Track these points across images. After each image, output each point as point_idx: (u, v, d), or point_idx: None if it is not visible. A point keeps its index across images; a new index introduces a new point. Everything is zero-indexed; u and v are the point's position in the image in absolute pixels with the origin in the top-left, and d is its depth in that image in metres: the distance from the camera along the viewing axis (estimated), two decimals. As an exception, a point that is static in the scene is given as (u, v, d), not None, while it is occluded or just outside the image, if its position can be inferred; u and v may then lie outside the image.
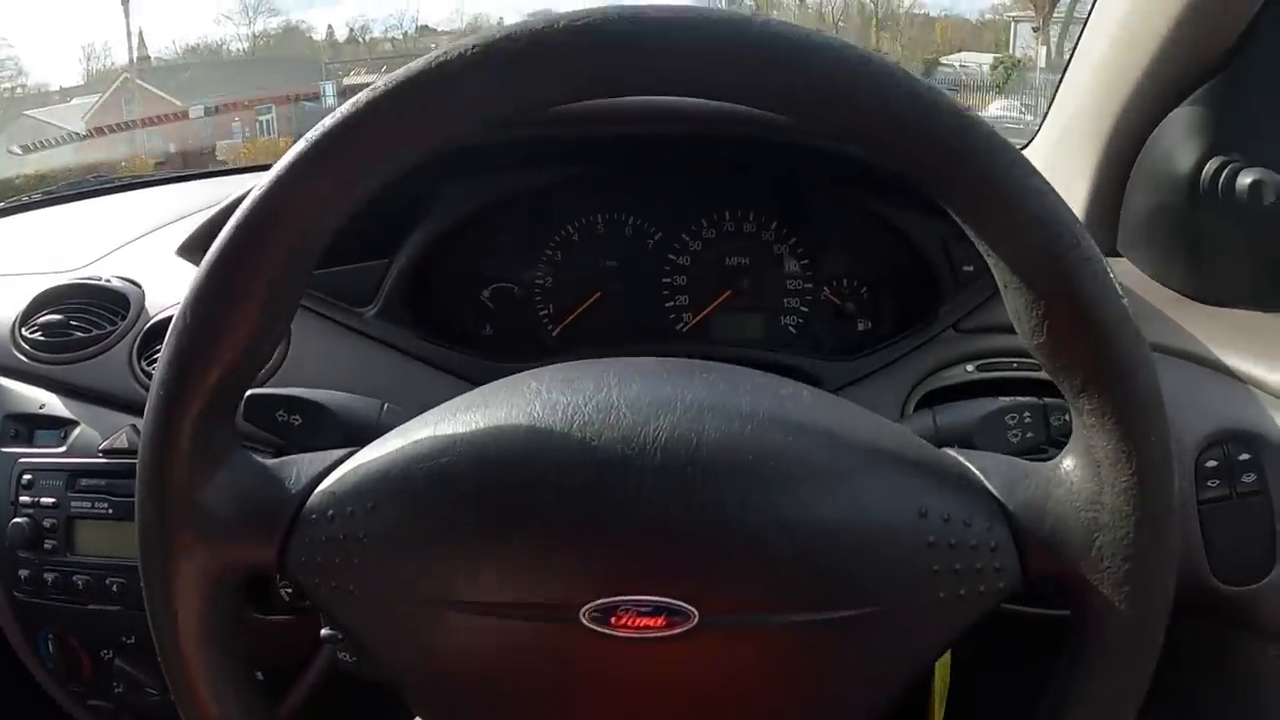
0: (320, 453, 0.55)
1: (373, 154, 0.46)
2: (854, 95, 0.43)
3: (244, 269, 0.47)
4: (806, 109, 0.44)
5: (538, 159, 0.97)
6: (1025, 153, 0.94)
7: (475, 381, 0.55)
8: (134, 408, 0.94)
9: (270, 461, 0.54)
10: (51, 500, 0.93)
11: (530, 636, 0.49)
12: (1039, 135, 1.13)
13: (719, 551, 0.47)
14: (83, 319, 1.00)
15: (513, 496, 0.49)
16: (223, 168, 1.45)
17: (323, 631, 0.79)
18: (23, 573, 0.94)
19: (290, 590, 0.87)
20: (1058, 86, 1.08)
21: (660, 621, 0.47)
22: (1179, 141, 0.99)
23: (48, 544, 0.93)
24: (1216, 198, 0.96)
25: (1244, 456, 0.79)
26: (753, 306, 1.01)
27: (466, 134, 0.46)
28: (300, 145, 0.46)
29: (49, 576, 0.93)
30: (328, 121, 0.46)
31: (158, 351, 0.95)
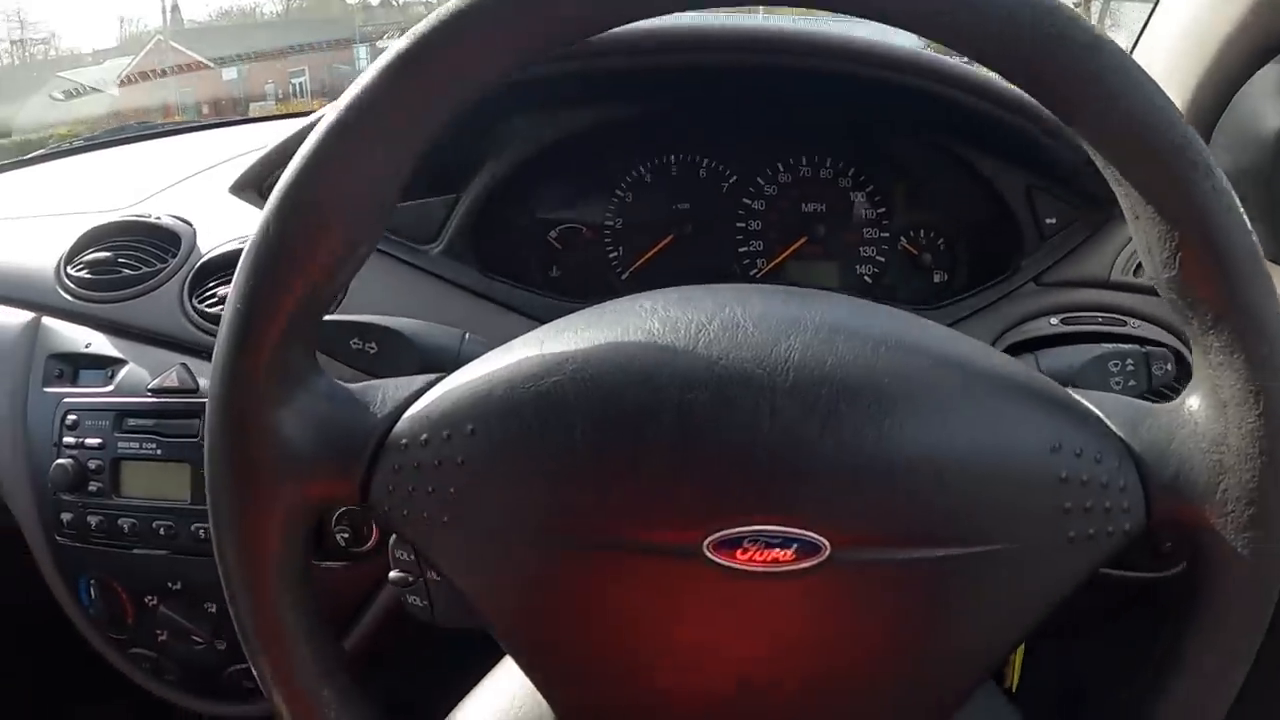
0: (406, 378, 0.51)
1: (469, 60, 0.43)
2: (983, 10, 0.41)
3: (335, 175, 0.44)
4: (930, 20, 0.42)
5: (611, 92, 0.93)
6: None
7: (543, 320, 0.51)
8: (184, 346, 0.90)
9: (352, 386, 0.50)
10: (97, 441, 0.90)
11: (647, 569, 0.45)
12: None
13: (853, 479, 0.44)
14: (131, 257, 0.97)
15: (631, 417, 0.44)
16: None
17: (391, 574, 0.76)
18: (65, 516, 0.91)
19: (347, 535, 0.84)
20: (1132, 48, 1.05)
21: (790, 554, 0.44)
22: (1266, 102, 0.96)
23: (92, 486, 0.90)
24: (1305, 157, 0.93)
25: None
26: (828, 254, 0.97)
27: (573, 36, 0.44)
28: (401, 43, 0.43)
29: (93, 520, 0.90)
30: (422, 27, 0.43)
31: (210, 290, 0.92)
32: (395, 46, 0.43)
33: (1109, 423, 0.47)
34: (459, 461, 0.46)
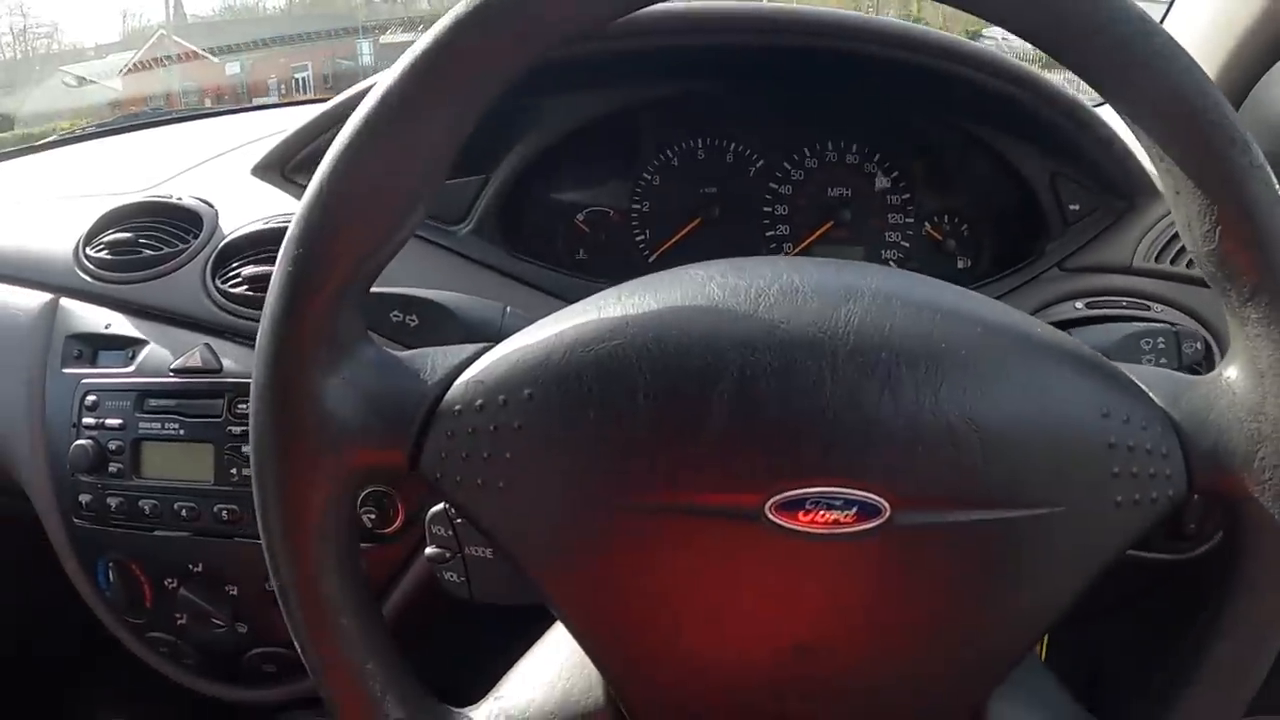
0: (455, 346, 0.50)
1: (531, 24, 0.43)
2: None
3: (392, 141, 0.44)
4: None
5: (638, 75, 0.93)
6: (1106, 112, 0.92)
7: (570, 300, 0.51)
8: (206, 327, 0.89)
9: (401, 354, 0.50)
10: (118, 422, 0.89)
11: (708, 532, 0.45)
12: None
13: (913, 442, 0.44)
14: (152, 238, 0.96)
15: (694, 380, 0.45)
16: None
17: (428, 550, 0.75)
18: (84, 498, 0.90)
19: (373, 516, 0.83)
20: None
21: (851, 517, 0.44)
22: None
23: (112, 467, 0.89)
24: (1327, 145, 0.93)
25: None
26: (853, 239, 0.97)
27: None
28: (462, 5, 0.43)
29: (112, 501, 0.89)
30: None
31: (233, 271, 0.91)
32: (455, 10, 0.43)
33: (1150, 393, 0.48)
34: (516, 426, 0.46)
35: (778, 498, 0.44)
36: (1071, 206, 0.92)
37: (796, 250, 0.97)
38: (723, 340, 0.45)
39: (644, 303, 0.47)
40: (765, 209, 0.97)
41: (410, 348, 0.63)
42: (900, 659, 0.49)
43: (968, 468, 0.44)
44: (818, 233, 0.96)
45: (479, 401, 0.46)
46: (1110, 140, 0.87)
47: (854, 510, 0.44)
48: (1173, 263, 0.86)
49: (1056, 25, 0.43)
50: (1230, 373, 0.48)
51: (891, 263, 0.97)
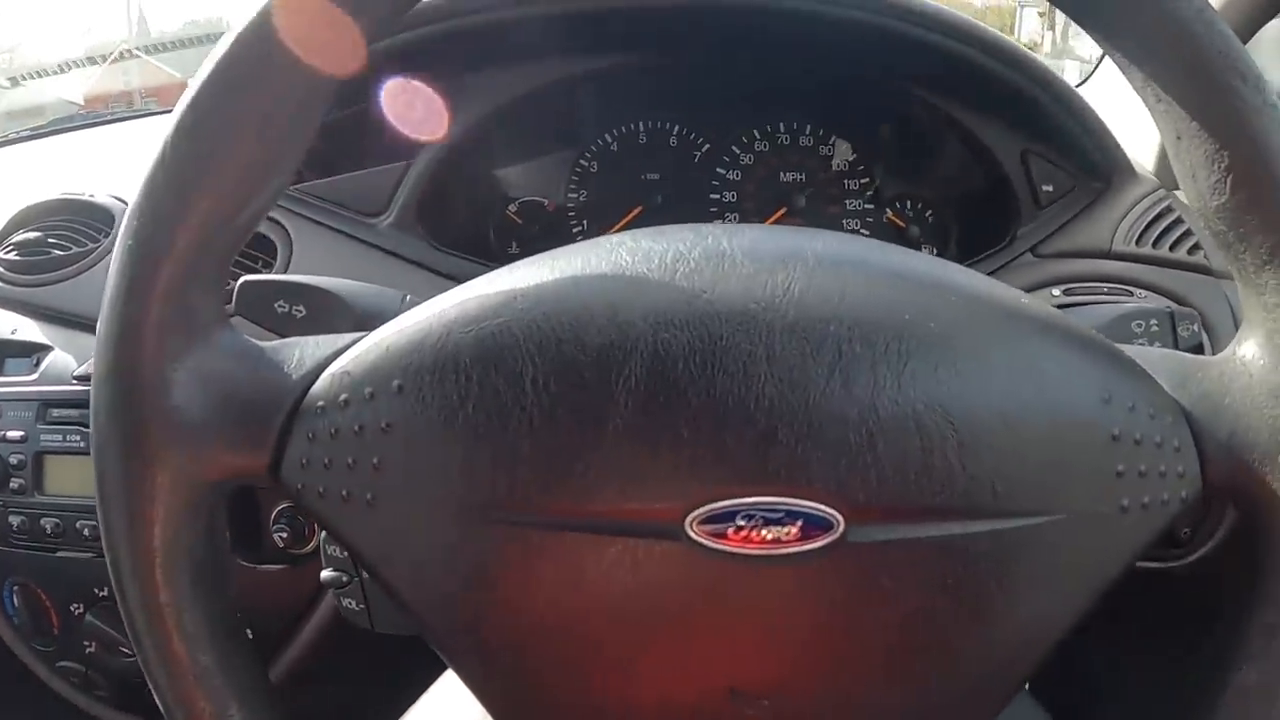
0: (331, 335, 0.43)
1: None
2: None
3: (246, 86, 0.37)
4: None
5: (568, 43, 0.87)
6: (1082, 91, 0.86)
7: None
8: (112, 330, 0.84)
9: (266, 344, 0.42)
10: (19, 434, 0.83)
11: (616, 552, 0.37)
12: (1098, 71, 1.05)
13: (871, 437, 0.36)
14: (63, 237, 0.90)
15: (594, 363, 0.36)
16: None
17: (323, 574, 0.68)
18: (-15, 516, 0.84)
19: (285, 534, 0.77)
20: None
21: (793, 533, 0.36)
22: (1269, 60, 0.92)
23: (14, 483, 0.83)
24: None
25: None
26: (808, 225, 0.91)
27: None
28: None
29: (14, 520, 0.83)
30: None
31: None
32: None
33: (1155, 377, 0.41)
34: (383, 426, 0.38)
35: (700, 511, 0.36)
36: (1045, 188, 0.86)
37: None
38: (630, 313, 0.37)
39: (539, 274, 0.39)
40: (713, 195, 0.92)
41: None
42: (858, 705, 0.41)
43: (939, 469, 0.36)
44: (769, 220, 0.90)
45: (343, 396, 0.39)
46: (1088, 116, 0.82)
47: (797, 525, 0.36)
48: (1155, 245, 0.81)
49: None
50: (1246, 350, 0.41)
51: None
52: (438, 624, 0.41)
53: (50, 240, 0.90)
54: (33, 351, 0.86)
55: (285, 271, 0.81)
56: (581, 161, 0.93)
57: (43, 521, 0.82)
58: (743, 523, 0.36)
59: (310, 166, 0.86)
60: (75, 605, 0.84)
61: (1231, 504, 0.42)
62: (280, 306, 0.60)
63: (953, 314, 0.38)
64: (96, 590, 0.83)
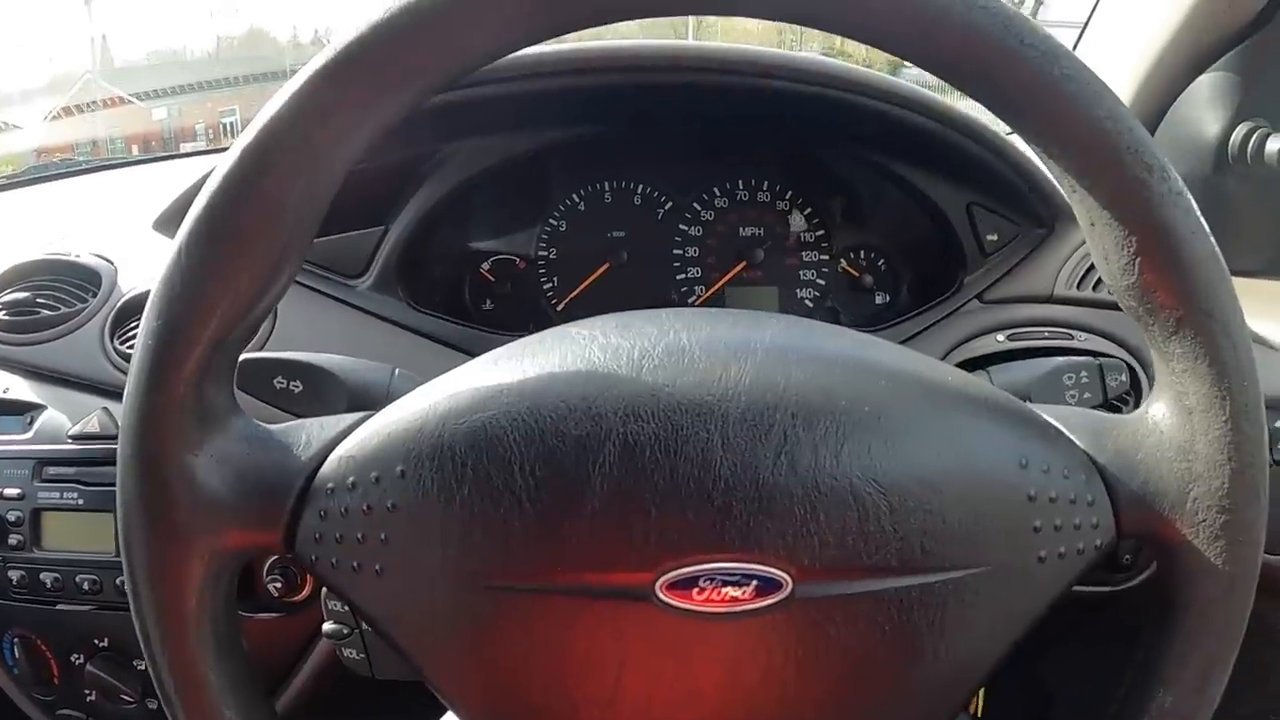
0: (333, 416, 0.48)
1: (396, 74, 0.40)
2: (941, 22, 0.40)
3: (253, 200, 0.41)
4: (883, 32, 0.41)
5: (544, 116, 0.91)
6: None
7: (475, 354, 0.49)
8: (106, 390, 0.87)
9: (275, 427, 0.47)
10: (16, 491, 0.85)
11: (596, 614, 0.43)
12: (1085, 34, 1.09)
13: (814, 508, 0.41)
14: (50, 297, 0.93)
15: (572, 452, 0.42)
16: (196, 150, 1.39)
17: (325, 627, 0.72)
18: (-17, 571, 0.87)
19: (279, 584, 0.80)
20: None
21: (749, 593, 0.41)
22: (1205, 108, 0.96)
23: (12, 539, 0.85)
24: (1245, 164, 0.93)
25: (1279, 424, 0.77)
26: (767, 279, 0.96)
27: (501, 50, 0.41)
28: (320, 58, 0.40)
29: (14, 574, 0.85)
30: (340, 41, 0.40)
31: (131, 330, 0.89)
32: (313, 63, 0.40)
33: (1072, 436, 0.46)
34: (389, 506, 0.43)
35: (668, 575, 0.41)
36: (989, 237, 0.91)
37: (709, 293, 0.95)
38: (603, 407, 0.42)
39: (520, 368, 0.44)
40: (675, 251, 0.96)
41: (295, 415, 0.60)
42: None
43: (875, 532, 0.42)
44: (730, 274, 0.95)
45: (350, 479, 0.44)
46: (1026, 167, 0.86)
47: (752, 585, 0.41)
48: (1095, 289, 0.86)
49: (968, 57, 0.40)
50: (1156, 410, 0.45)
51: (808, 301, 0.96)
52: (440, 676, 0.46)
53: (39, 300, 0.93)
54: (25, 410, 0.89)
55: (272, 329, 0.84)
56: (550, 221, 0.97)
57: (42, 576, 0.84)
58: (705, 585, 0.42)
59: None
60: (76, 655, 0.86)
61: (1146, 547, 0.47)
62: (279, 382, 0.65)
63: (882, 395, 0.44)
64: (97, 641, 0.85)
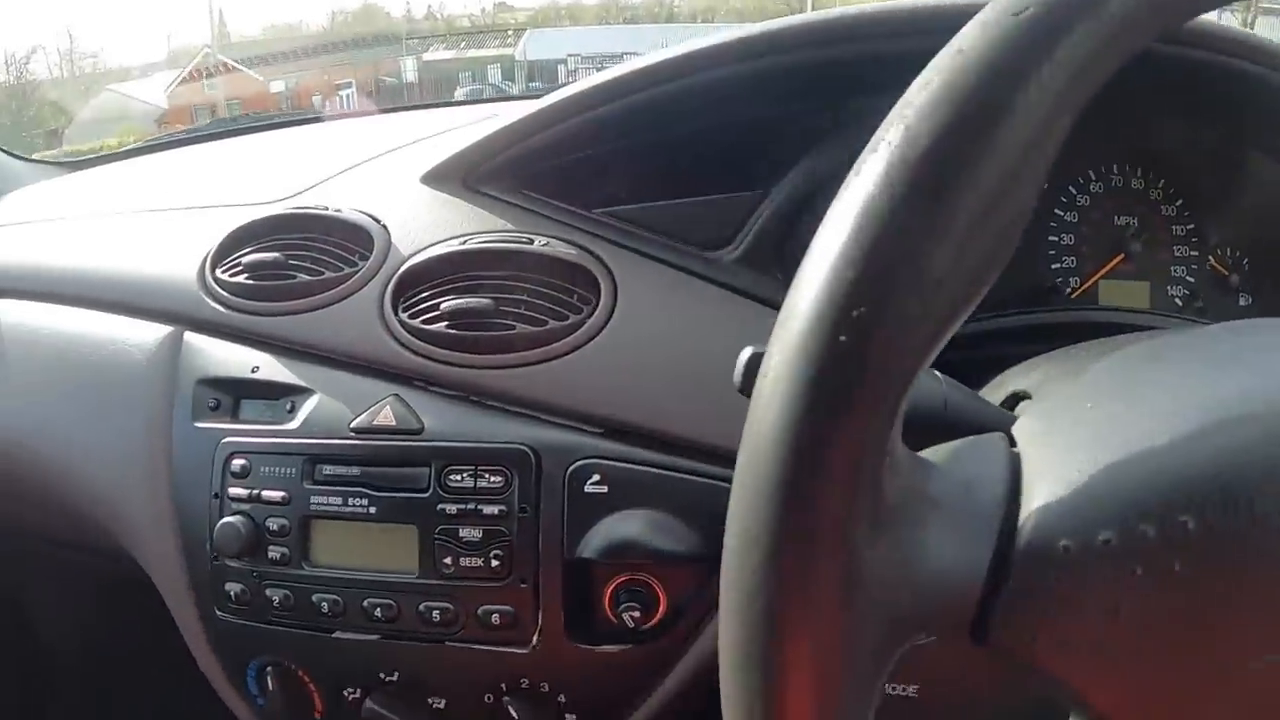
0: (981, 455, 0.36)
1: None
2: None
3: (973, 171, 0.29)
4: None
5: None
6: None
7: None
8: (390, 374, 0.72)
9: (947, 466, 0.35)
10: (280, 494, 0.70)
11: None
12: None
13: None
14: (305, 258, 0.78)
15: None
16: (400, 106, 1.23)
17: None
18: (233, 588, 0.72)
19: (636, 614, 0.66)
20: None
21: None
22: None
23: (273, 552, 0.70)
24: None
25: None
26: (1140, 273, 0.83)
27: None
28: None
29: (274, 595, 0.71)
30: None
31: (416, 300, 0.74)
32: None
33: None
34: (1174, 569, 0.31)
35: None
36: None
37: (1085, 285, 0.83)
38: None
39: (1243, 380, 0.34)
40: (1051, 239, 0.83)
41: None
42: None
43: None
44: (1108, 265, 0.83)
45: (1104, 536, 0.32)
46: None
47: None
48: None
49: None
50: None
51: (1178, 299, 0.84)
52: None
53: (292, 262, 0.77)
54: (284, 394, 0.74)
55: (609, 311, 0.70)
56: None
57: (315, 598, 0.69)
58: None
59: (629, 191, 0.76)
60: (350, 690, 0.71)
61: None
62: None
63: None
64: (383, 675, 0.70)
